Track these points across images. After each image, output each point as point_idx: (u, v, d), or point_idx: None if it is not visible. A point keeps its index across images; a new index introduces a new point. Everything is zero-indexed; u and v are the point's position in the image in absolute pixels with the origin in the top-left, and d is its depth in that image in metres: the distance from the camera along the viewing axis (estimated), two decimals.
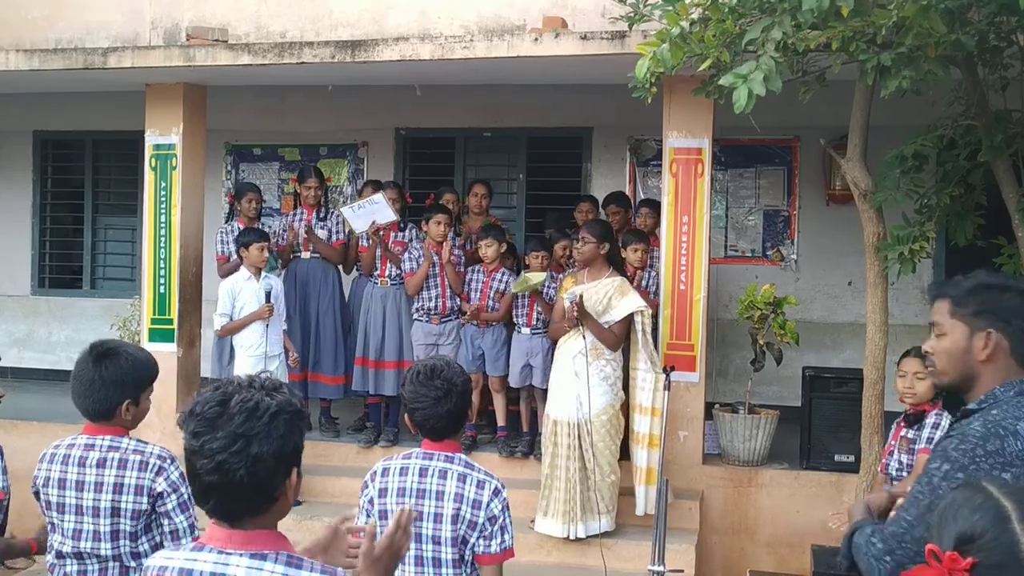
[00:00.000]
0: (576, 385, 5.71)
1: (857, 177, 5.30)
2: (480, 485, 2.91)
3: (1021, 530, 1.52)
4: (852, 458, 6.04)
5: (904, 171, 5.20)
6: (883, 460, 4.62)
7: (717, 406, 6.71)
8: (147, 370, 3.01)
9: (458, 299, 6.79)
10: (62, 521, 2.96)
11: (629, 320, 5.84)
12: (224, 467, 1.79)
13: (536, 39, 6.07)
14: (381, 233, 6.92)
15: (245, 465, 1.79)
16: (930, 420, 4.30)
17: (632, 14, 5.62)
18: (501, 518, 2.91)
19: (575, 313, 5.64)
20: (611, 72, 6.14)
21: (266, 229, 7.04)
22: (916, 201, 5.37)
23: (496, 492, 2.92)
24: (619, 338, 5.86)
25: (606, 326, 5.80)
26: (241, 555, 1.82)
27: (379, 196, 6.92)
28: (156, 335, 7.26)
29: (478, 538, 2.88)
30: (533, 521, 5.98)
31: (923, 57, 4.28)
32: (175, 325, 7.28)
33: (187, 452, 1.85)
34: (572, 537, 5.81)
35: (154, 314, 7.31)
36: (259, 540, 1.84)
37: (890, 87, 4.33)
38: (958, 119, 5.16)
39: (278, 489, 1.85)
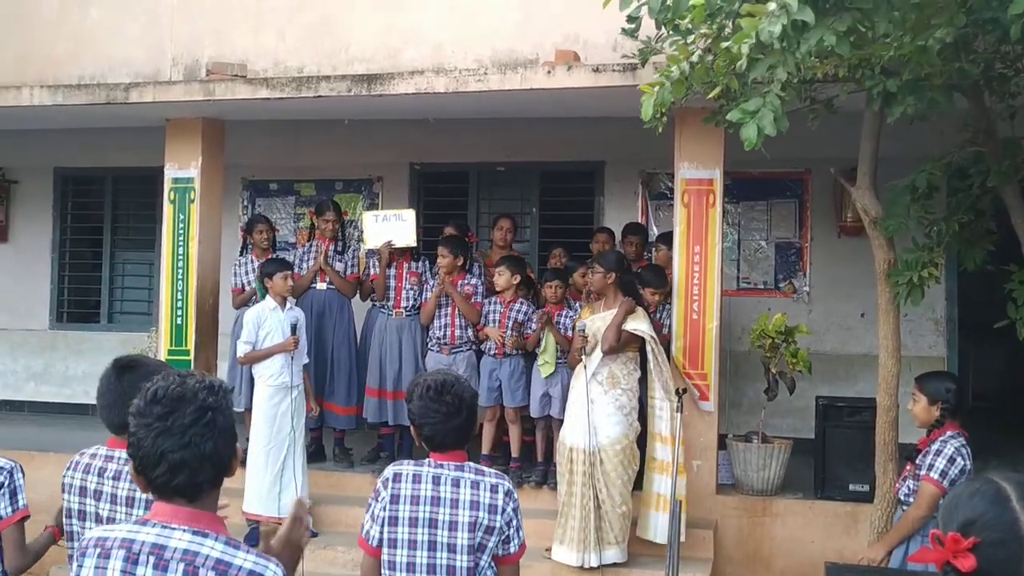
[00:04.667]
0: (592, 415, 5.76)
1: (867, 205, 5.35)
2: (494, 489, 2.96)
3: (1021, 508, 1.56)
4: (867, 487, 6.01)
5: (915, 199, 5.24)
6: (897, 484, 4.64)
7: (731, 436, 6.70)
8: None
9: (470, 330, 6.84)
10: (83, 529, 3.00)
11: (629, 339, 5.89)
12: (194, 441, 1.95)
13: (549, 72, 6.18)
14: (394, 261, 7.00)
15: (213, 437, 1.97)
16: (933, 447, 4.30)
17: (644, 48, 5.72)
18: (515, 519, 2.97)
19: (582, 344, 5.80)
20: (623, 105, 6.22)
21: None
22: (926, 228, 5.40)
23: (509, 493, 2.98)
24: (615, 345, 5.83)
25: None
26: (184, 530, 1.93)
27: (410, 214, 7.02)
28: (173, 366, 7.30)
29: (498, 542, 2.93)
30: (548, 550, 5.96)
31: (928, 85, 4.35)
32: (191, 356, 7.34)
33: (152, 435, 1.97)
34: (586, 566, 5.79)
35: (171, 345, 7.39)
36: (203, 519, 1.97)
37: (895, 113, 4.39)
38: (966, 146, 5.21)
39: (230, 463, 2.03)
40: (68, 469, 3.07)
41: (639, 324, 5.88)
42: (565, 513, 5.86)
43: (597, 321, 5.91)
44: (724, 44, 3.81)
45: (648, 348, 5.90)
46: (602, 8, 4.20)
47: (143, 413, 1.98)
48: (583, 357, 5.84)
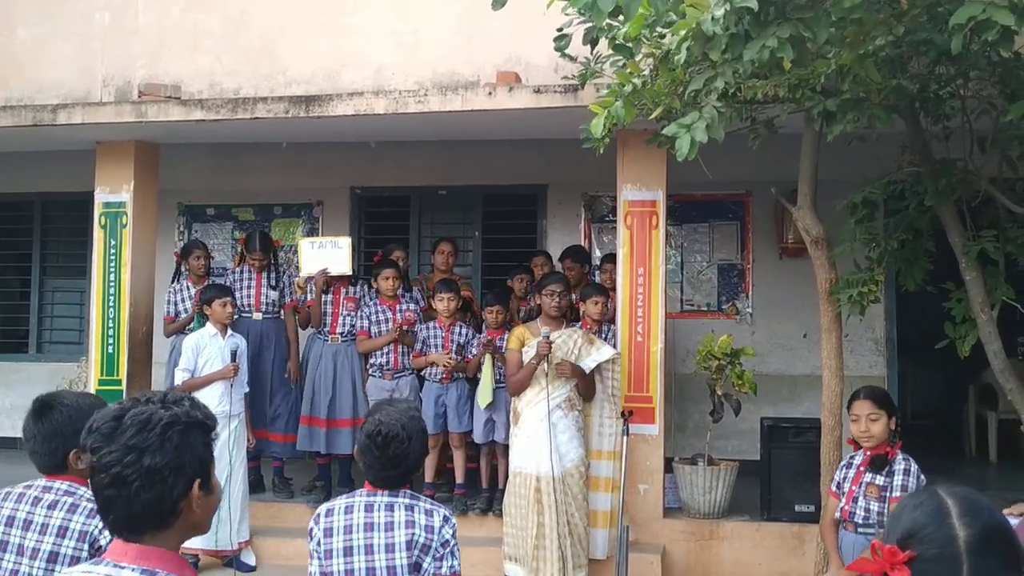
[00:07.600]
0: (555, 439, 5.64)
1: (808, 224, 5.37)
2: (429, 513, 2.95)
3: (960, 525, 1.55)
4: (812, 508, 6.00)
5: (858, 220, 5.29)
6: (844, 506, 4.33)
7: (677, 459, 6.67)
8: (88, 417, 2.91)
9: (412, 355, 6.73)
10: (1, 559, 2.86)
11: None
12: (119, 479, 1.81)
13: (490, 93, 6.13)
14: (331, 288, 6.88)
15: (140, 477, 1.81)
16: (899, 466, 4.20)
17: (584, 71, 5.70)
18: (452, 543, 2.94)
19: (547, 352, 5.58)
20: (565, 126, 6.21)
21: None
22: (871, 250, 5.44)
23: (446, 519, 2.96)
24: (595, 387, 5.92)
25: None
26: (133, 569, 1.80)
27: (346, 241, 6.90)
28: (104, 396, 7.04)
29: (431, 561, 2.89)
30: None
31: (867, 102, 4.38)
32: (124, 386, 7.09)
33: (90, 469, 1.88)
34: None
35: (102, 375, 7.14)
36: (154, 557, 1.82)
37: (835, 131, 4.41)
38: (904, 166, 5.27)
39: (178, 502, 1.84)
40: None
41: (604, 350, 5.85)
42: (539, 545, 5.63)
43: (559, 339, 5.77)
44: (663, 40, 3.79)
45: (604, 366, 5.90)
46: (545, 9, 4.13)
47: (85, 438, 1.90)
48: (547, 389, 5.65)
